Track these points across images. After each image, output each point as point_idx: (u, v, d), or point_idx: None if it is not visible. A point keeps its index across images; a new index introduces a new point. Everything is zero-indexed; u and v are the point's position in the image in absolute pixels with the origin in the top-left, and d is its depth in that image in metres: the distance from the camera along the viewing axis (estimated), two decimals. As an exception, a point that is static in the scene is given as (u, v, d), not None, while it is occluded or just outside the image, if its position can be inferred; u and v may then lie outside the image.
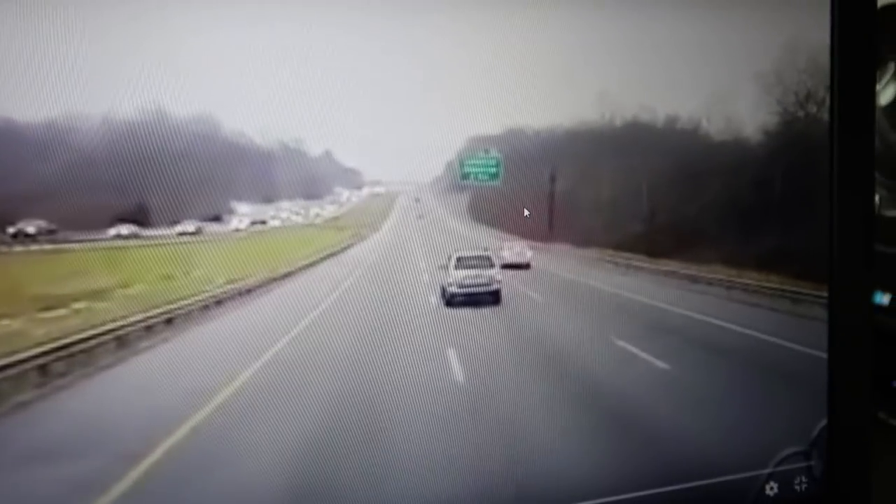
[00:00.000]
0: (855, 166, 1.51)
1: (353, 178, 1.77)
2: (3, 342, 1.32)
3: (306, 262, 1.86)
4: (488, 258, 2.07)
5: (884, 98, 2.24)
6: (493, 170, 1.72)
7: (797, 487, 1.52)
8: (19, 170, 1.32)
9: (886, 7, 2.17)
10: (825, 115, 1.49)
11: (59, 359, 1.43)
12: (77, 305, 1.43)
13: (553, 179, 2.09)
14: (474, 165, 1.70)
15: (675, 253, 2.02)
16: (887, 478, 1.68)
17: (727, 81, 1.64)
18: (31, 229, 1.31)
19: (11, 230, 1.28)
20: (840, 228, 1.50)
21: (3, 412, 1.41)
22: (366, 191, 1.93)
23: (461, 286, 2.01)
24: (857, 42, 1.48)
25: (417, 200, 2.04)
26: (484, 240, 2.30)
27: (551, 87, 1.59)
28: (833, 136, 1.48)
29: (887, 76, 2.22)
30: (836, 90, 1.48)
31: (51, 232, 1.32)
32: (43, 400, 1.46)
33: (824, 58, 1.48)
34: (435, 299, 1.94)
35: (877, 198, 2.30)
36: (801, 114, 1.68)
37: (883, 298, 2.22)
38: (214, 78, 1.30)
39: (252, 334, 1.72)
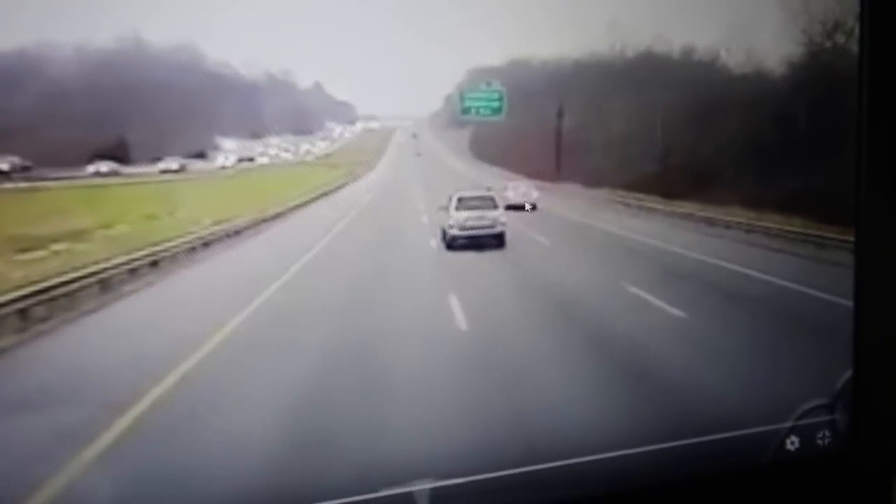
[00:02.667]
0: (886, 101, 1.53)
1: (345, 113, 1.77)
2: None
3: (297, 201, 1.87)
4: (491, 199, 2.08)
5: None
6: (496, 104, 1.72)
7: (820, 442, 1.46)
8: None
9: None
10: (854, 46, 1.42)
11: (39, 303, 1.45)
12: (56, 247, 1.44)
13: (561, 115, 2.09)
14: (476, 99, 1.70)
15: (692, 194, 2.02)
16: None
17: (748, 9, 1.63)
18: (4, 166, 1.32)
19: None
20: (868, 168, 1.49)
21: None
22: (359, 126, 1.93)
23: (463, 228, 2.02)
24: None
25: (415, 136, 2.04)
26: (487, 179, 2.31)
27: (559, 14, 1.58)
28: (862, 69, 1.40)
29: None
30: (867, 19, 1.46)
31: (25, 169, 1.33)
32: (24, 346, 1.50)
33: None
34: (435, 242, 1.95)
35: None
36: (827, 44, 1.65)
37: None
38: (196, 4, 1.28)
39: (242, 279, 1.75)
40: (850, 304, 1.54)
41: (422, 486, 1.27)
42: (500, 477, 1.30)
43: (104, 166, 1.44)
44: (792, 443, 1.44)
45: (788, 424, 1.44)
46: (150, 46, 1.25)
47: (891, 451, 1.44)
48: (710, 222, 1.98)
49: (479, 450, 1.42)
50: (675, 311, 1.76)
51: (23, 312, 1.48)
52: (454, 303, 1.79)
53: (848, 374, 1.44)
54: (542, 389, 1.61)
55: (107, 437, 1.30)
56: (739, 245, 1.98)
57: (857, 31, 1.54)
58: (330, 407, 1.47)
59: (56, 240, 1.48)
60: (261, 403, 1.46)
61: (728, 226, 1.93)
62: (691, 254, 2.05)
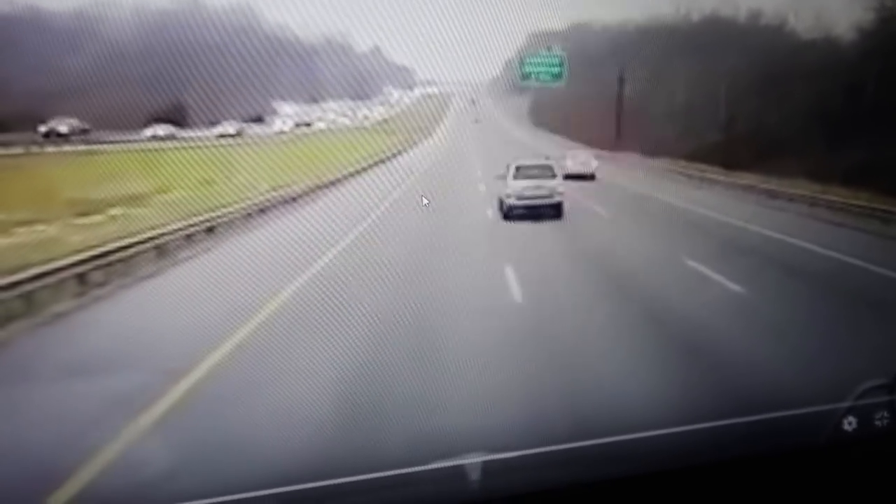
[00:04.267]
0: None
1: (403, 78, 1.74)
2: (39, 249, 1.34)
3: (354, 168, 1.84)
4: (550, 168, 2.05)
5: None
6: (557, 69, 1.67)
7: (878, 423, 1.41)
8: (48, 63, 1.31)
9: None
10: None
11: (97, 267, 1.43)
12: (113, 211, 1.43)
13: (622, 81, 2.05)
14: (536, 64, 1.65)
15: (754, 165, 1.97)
16: None
17: None
18: (63, 128, 1.29)
19: (43, 129, 1.27)
20: None
21: (42, 322, 1.39)
22: (418, 91, 1.90)
23: (520, 198, 2.00)
24: None
25: (473, 103, 2.01)
26: (546, 147, 2.28)
27: None
28: None
29: None
30: None
31: (84, 132, 1.31)
32: (82, 310, 1.50)
33: None
34: (492, 212, 1.92)
35: None
36: None
37: None
38: None
39: (297, 246, 1.73)
40: None
41: (474, 459, 1.23)
42: (550, 452, 1.27)
43: (161, 130, 1.43)
44: (850, 423, 1.38)
45: (847, 404, 1.39)
46: (206, 8, 1.24)
47: None
48: (773, 195, 1.94)
49: (532, 424, 1.39)
50: (734, 287, 1.73)
51: (81, 277, 1.50)
52: (510, 275, 1.75)
53: None
54: (596, 365, 1.57)
55: (162, 405, 1.28)
56: (802, 219, 1.95)
57: None
58: (383, 378, 1.45)
59: (113, 204, 1.48)
60: (316, 373, 1.42)
61: (791, 199, 1.90)
62: (752, 227, 2.03)
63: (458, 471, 1.23)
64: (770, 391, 1.48)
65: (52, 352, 1.46)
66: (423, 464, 1.23)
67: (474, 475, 1.23)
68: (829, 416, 1.40)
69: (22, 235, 1.35)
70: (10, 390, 1.24)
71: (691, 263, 1.83)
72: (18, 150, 1.23)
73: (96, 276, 1.52)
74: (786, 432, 1.40)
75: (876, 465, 1.39)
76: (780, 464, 1.35)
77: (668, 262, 1.93)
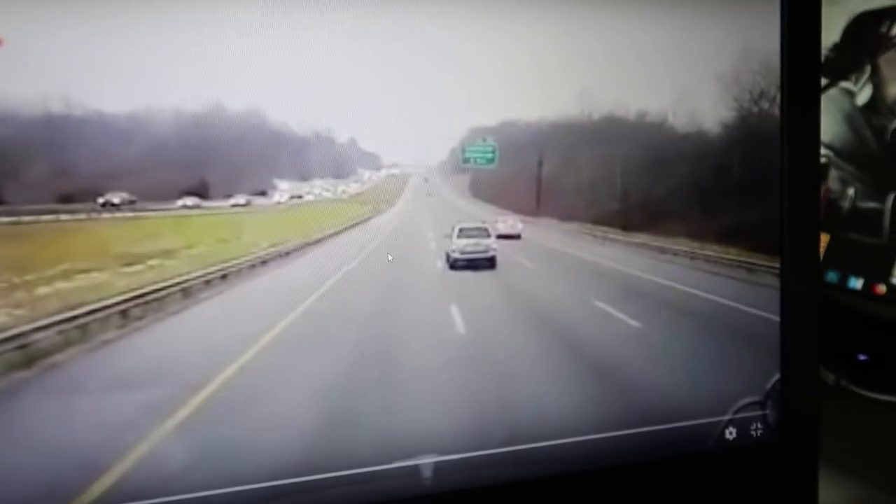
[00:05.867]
0: (803, 153, 1.63)
1: (373, 161, 1.86)
2: (93, 291, 1.41)
3: (334, 230, 1.91)
4: (485, 229, 2.15)
5: (861, 98, 2.29)
6: (490, 155, 1.82)
7: (753, 433, 1.62)
8: (108, 152, 1.44)
9: (862, 14, 2.25)
10: (776, 111, 1.61)
11: (136, 305, 1.59)
12: (151, 262, 1.54)
13: (541, 163, 2.19)
14: (474, 151, 1.80)
15: (646, 227, 2.09)
16: (850, 439, 1.81)
17: (690, 81, 1.67)
18: (116, 200, 1.44)
19: (101, 200, 1.42)
20: (790, 207, 1.63)
21: (92, 347, 1.51)
22: (384, 172, 2.00)
23: (462, 252, 2.10)
24: (803, 47, 1.59)
25: (426, 180, 2.13)
26: (482, 214, 2.37)
27: (539, 85, 1.68)
28: (783, 128, 1.60)
29: (864, 77, 2.29)
30: (786, 89, 1.60)
31: (132, 202, 1.46)
32: (123, 339, 1.57)
33: (775, 61, 1.61)
34: (441, 263, 2.02)
35: (852, 190, 2.36)
36: (755, 109, 1.73)
37: (857, 283, 2.29)
38: (263, 79, 1.42)
39: (290, 289, 1.79)
40: (776, 318, 1.63)
41: (427, 459, 1.45)
42: (489, 454, 1.48)
43: (190, 201, 1.50)
44: (730, 433, 1.60)
45: (727, 417, 1.61)
46: (228, 111, 1.47)
47: (811, 439, 1.63)
48: (662, 250, 1.97)
49: (473, 432, 1.54)
50: (633, 322, 1.83)
51: (124, 313, 1.63)
52: (455, 311, 1.90)
53: (776, 376, 1.63)
54: (524, 383, 1.70)
55: (184, 411, 1.43)
56: (686, 269, 1.97)
57: (778, 98, 1.61)
58: (354, 393, 1.56)
59: (151, 257, 1.54)
60: (300, 388, 1.56)
61: (676, 253, 1.93)
62: (646, 276, 2.20)
63: (415, 469, 1.45)
64: (666, 406, 1.62)
65: (99, 370, 1.56)
66: (387, 463, 1.45)
67: (427, 473, 1.45)
68: (714, 427, 1.61)
69: (81, 280, 1.51)
70: (67, 400, 1.39)
71: (599, 304, 1.94)
72: (82, 216, 1.29)
73: (136, 312, 1.67)
74: (680, 440, 1.59)
75: (753, 467, 1.63)
76: (676, 467, 1.59)
77: (580, 302, 2.10)
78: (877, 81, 2.11)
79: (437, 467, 1.46)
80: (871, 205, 2.13)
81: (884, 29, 2.22)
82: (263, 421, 1.48)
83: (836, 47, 2.48)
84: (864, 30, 2.12)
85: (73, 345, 1.52)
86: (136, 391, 1.44)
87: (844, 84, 2.10)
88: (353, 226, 2.07)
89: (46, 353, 1.46)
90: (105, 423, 1.38)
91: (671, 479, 1.62)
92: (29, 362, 1.42)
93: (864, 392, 2.26)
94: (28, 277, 1.40)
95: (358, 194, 2.09)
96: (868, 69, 2.13)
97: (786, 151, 1.63)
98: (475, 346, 1.77)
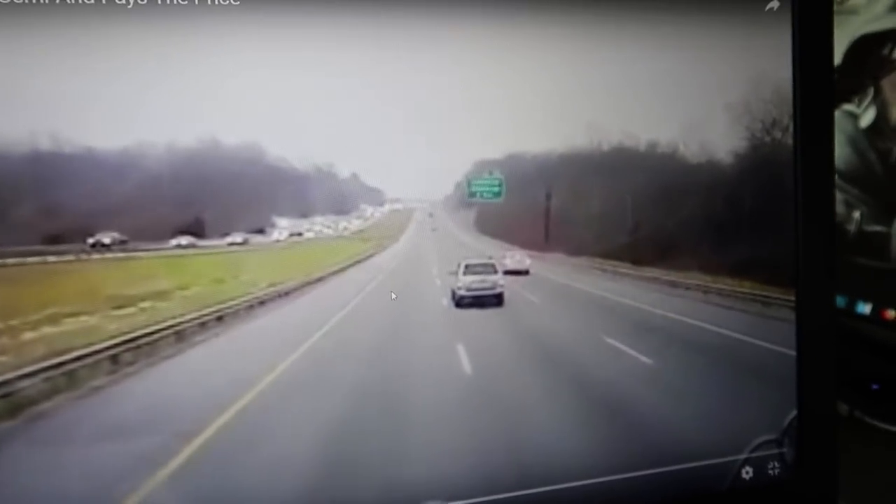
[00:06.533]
0: (816, 184, 1.56)
1: (375, 197, 1.83)
2: (82, 335, 1.39)
3: (336, 268, 1.90)
4: (492, 265, 2.11)
5: (864, 120, 2.24)
6: (497, 189, 1.78)
7: (770, 472, 1.55)
8: (98, 190, 1.40)
9: (864, 36, 2.20)
10: (789, 140, 1.55)
11: (127, 350, 1.48)
12: (143, 304, 1.51)
13: (549, 197, 2.15)
14: (480, 185, 1.76)
15: (657, 261, 2.05)
16: (864, 469, 1.70)
17: (701, 111, 1.63)
18: (106, 240, 1.40)
19: (91, 241, 1.37)
20: (805, 239, 1.55)
21: (80, 395, 1.45)
22: (387, 207, 1.98)
23: (469, 290, 2.05)
24: (816, 75, 1.54)
25: (431, 215, 2.09)
26: (488, 249, 2.34)
27: (547, 118, 1.65)
28: (796, 158, 1.54)
29: (867, 100, 2.24)
30: (799, 118, 1.54)
31: (123, 242, 1.42)
32: (114, 385, 1.51)
33: (787, 90, 1.54)
34: (446, 301, 1.97)
35: (857, 214, 2.30)
36: (767, 139, 1.71)
37: (865, 308, 2.22)
38: (260, 112, 1.35)
39: (290, 330, 1.75)
40: (792, 353, 1.54)
41: None
42: (497, 499, 1.40)
43: (184, 240, 1.47)
44: (747, 472, 1.52)
45: (744, 456, 1.53)
46: (223, 146, 1.30)
47: (830, 478, 1.55)
48: (673, 284, 1.94)
49: (480, 475, 1.45)
50: (645, 359, 1.76)
51: (114, 358, 1.57)
52: (461, 350, 1.84)
53: (793, 413, 1.55)
54: (533, 424, 1.65)
55: (176, 461, 1.36)
56: (698, 304, 1.95)
57: (790, 128, 1.54)
58: (356, 437, 1.50)
59: (143, 299, 1.53)
60: (301, 433, 1.51)
61: (688, 287, 1.90)
62: (658, 310, 2.14)
63: None
64: (681, 446, 1.55)
65: (88, 419, 1.51)
66: None
67: None
68: (730, 467, 1.53)
69: (69, 325, 1.45)
70: (53, 450, 1.31)
71: (609, 340, 1.88)
72: (70, 257, 1.27)
73: (127, 357, 1.60)
74: (695, 480, 1.52)
75: None
76: None
77: (590, 339, 2.03)
78: (880, 104, 2.02)
79: None
80: (878, 228, 2.03)
81: (886, 51, 2.11)
82: (261, 468, 1.41)
83: (839, 70, 2.46)
84: (866, 52, 2.03)
85: (61, 392, 1.45)
86: (127, 440, 1.38)
87: (847, 107, 2.09)
88: (356, 263, 2.03)
89: (32, 402, 1.39)
90: (94, 474, 1.31)
91: None
92: (14, 411, 1.35)
93: (878, 423, 2.16)
94: (12, 322, 1.33)
95: (360, 231, 2.06)
96: (871, 91, 2.03)
97: (800, 181, 1.55)
98: (482, 387, 1.71)
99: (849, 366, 1.65)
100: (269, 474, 1.40)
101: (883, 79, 2.17)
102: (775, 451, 1.56)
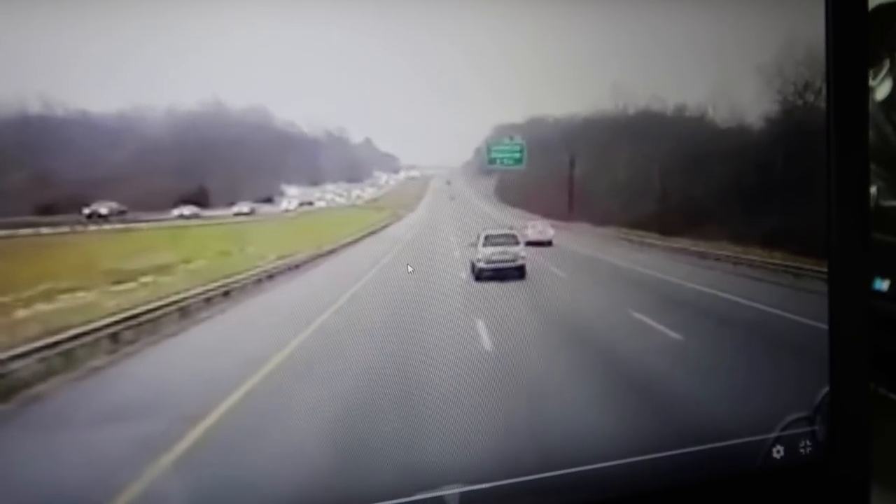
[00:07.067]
0: (850, 149, 1.51)
1: (390, 163, 1.75)
2: (79, 312, 1.33)
3: (349, 239, 1.84)
4: (513, 236, 2.04)
5: (880, 93, 2.19)
6: (518, 155, 1.70)
7: (802, 450, 1.52)
8: (93, 156, 1.33)
9: (880, 6, 2.14)
10: (822, 104, 1.50)
11: (128, 328, 1.43)
12: (144, 279, 1.44)
13: (572, 164, 2.08)
14: (500, 151, 1.69)
15: (686, 231, 1.99)
16: (887, 448, 1.64)
17: (731, 73, 1.57)
18: (103, 210, 1.32)
19: (86, 211, 1.30)
20: (838, 207, 1.50)
21: (78, 376, 1.38)
22: (402, 174, 1.91)
23: (489, 262, 1.99)
24: (849, 36, 1.48)
25: (449, 183, 2.02)
26: (509, 219, 2.28)
27: (569, 79, 1.58)
28: (829, 122, 1.49)
29: (883, 72, 2.18)
30: (832, 80, 1.49)
31: (121, 213, 1.34)
32: (114, 365, 1.45)
33: (820, 51, 1.49)
34: (465, 274, 1.91)
35: (874, 189, 2.26)
36: (799, 102, 1.65)
37: (882, 284, 2.19)
38: (267, 73, 1.30)
39: (300, 306, 1.69)
40: (825, 327, 1.50)
41: (453, 490, 1.32)
42: (520, 482, 1.36)
43: (187, 210, 1.43)
44: (778, 451, 1.50)
45: (774, 435, 1.50)
46: (227, 108, 1.25)
47: (864, 457, 1.51)
48: (702, 256, 1.92)
49: (502, 458, 1.42)
50: (674, 335, 1.72)
51: (114, 336, 1.52)
52: (481, 327, 1.77)
53: (825, 389, 1.51)
54: (557, 404, 1.61)
55: (181, 446, 1.32)
56: (728, 276, 1.93)
57: (823, 90, 1.49)
58: (373, 418, 1.46)
59: (144, 273, 1.48)
60: (314, 415, 1.46)
61: (718, 259, 1.89)
62: (687, 283, 1.95)
63: (440, 501, 1.33)
64: (710, 425, 1.52)
65: (86, 401, 1.46)
66: (409, 495, 1.32)
67: None
68: (761, 446, 1.51)
69: (65, 301, 1.33)
70: (50, 436, 1.27)
71: (636, 315, 1.83)
72: (65, 229, 1.22)
73: (127, 335, 1.54)
74: (725, 460, 1.49)
75: (802, 487, 1.53)
76: (721, 488, 1.49)
77: (617, 314, 1.98)
78: None
79: (464, 498, 1.34)
80: (895, 203, 1.98)
81: None
82: (271, 453, 1.36)
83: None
84: (882, 23, 1.95)
85: (57, 374, 1.39)
86: (129, 424, 1.32)
87: None
88: (370, 234, 1.98)
89: (27, 384, 1.33)
90: (94, 460, 1.27)
91: (716, 503, 1.52)
92: (7, 394, 1.29)
93: None
94: (4, 299, 1.24)
95: (374, 199, 2.01)
96: (887, 63, 1.97)
97: (833, 147, 1.51)
98: (503, 365, 1.64)
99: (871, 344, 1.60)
100: (279, 460, 1.35)
101: (899, 50, 2.13)
102: (807, 428, 1.52)
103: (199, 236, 1.63)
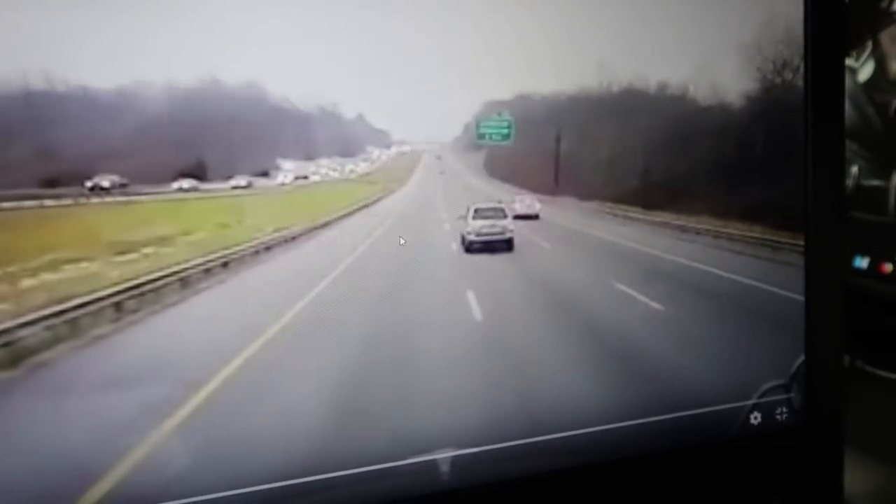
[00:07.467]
0: (827, 126, 1.54)
1: (382, 139, 1.77)
2: (83, 282, 1.35)
3: (343, 212, 1.86)
4: (502, 209, 2.07)
5: (862, 74, 2.21)
6: (506, 131, 1.73)
7: (778, 417, 1.57)
8: (95, 131, 1.35)
9: None
10: (800, 82, 1.53)
11: (131, 297, 1.44)
12: (146, 250, 1.46)
13: (558, 139, 2.10)
14: (489, 126, 1.71)
15: (667, 205, 2.02)
16: (863, 416, 1.71)
17: (712, 52, 1.60)
18: (105, 183, 1.34)
19: (89, 184, 1.32)
20: (815, 182, 1.54)
21: (83, 344, 1.41)
22: (394, 149, 1.93)
23: (478, 234, 2.01)
24: (827, 15, 1.51)
25: (439, 158, 2.04)
26: (498, 193, 2.30)
27: (556, 57, 1.60)
28: (807, 99, 1.53)
29: (866, 53, 2.20)
30: (810, 59, 1.52)
31: (123, 186, 1.36)
32: (117, 333, 1.48)
33: (799, 30, 1.52)
34: (456, 246, 1.93)
35: (855, 168, 2.28)
36: (778, 80, 1.68)
37: (862, 262, 2.22)
38: (261, 50, 1.32)
39: (297, 276, 1.71)
40: (801, 298, 1.56)
41: (444, 454, 1.36)
42: (508, 447, 1.40)
43: (186, 183, 1.43)
44: (755, 417, 1.54)
45: (752, 402, 1.55)
46: (224, 84, 1.25)
47: (837, 423, 1.57)
48: (684, 229, 1.92)
49: (492, 423, 1.45)
50: (655, 305, 1.74)
51: (117, 305, 1.53)
52: (471, 297, 1.82)
53: (801, 358, 1.56)
54: (543, 371, 1.62)
55: (183, 411, 1.34)
56: (708, 248, 1.93)
57: (801, 69, 1.52)
58: (367, 386, 1.48)
59: (146, 244, 1.48)
60: (310, 382, 1.48)
61: (698, 232, 1.88)
62: (668, 256, 2.12)
63: (432, 464, 1.36)
64: (690, 392, 1.56)
65: (91, 369, 1.46)
66: (402, 459, 1.35)
67: (445, 468, 1.36)
68: (739, 412, 1.55)
69: (69, 271, 1.38)
70: (57, 401, 1.29)
71: (619, 286, 1.85)
72: (68, 201, 1.21)
73: (130, 304, 1.56)
74: (704, 426, 1.53)
75: (778, 451, 1.57)
76: (700, 453, 1.53)
77: (601, 285, 1.99)
78: (878, 57, 2.03)
79: (455, 462, 1.38)
80: (876, 182, 2.05)
81: (884, 4, 2.15)
82: (270, 418, 1.38)
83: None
84: (864, 5, 2.04)
85: (63, 341, 1.40)
86: (133, 390, 1.36)
87: (845, 61, 1.99)
88: (363, 207, 1.99)
89: (33, 351, 1.35)
90: (99, 425, 1.29)
91: (695, 467, 1.56)
92: (14, 361, 1.30)
93: (879, 372, 2.19)
94: (10, 269, 1.27)
95: (367, 174, 2.02)
96: (869, 45, 2.04)
97: (810, 123, 1.55)
98: (492, 334, 1.70)
99: (848, 318, 1.64)
100: (278, 424, 1.37)
101: (881, 32, 2.14)
102: (783, 396, 1.56)
103: (198, 209, 1.64)
